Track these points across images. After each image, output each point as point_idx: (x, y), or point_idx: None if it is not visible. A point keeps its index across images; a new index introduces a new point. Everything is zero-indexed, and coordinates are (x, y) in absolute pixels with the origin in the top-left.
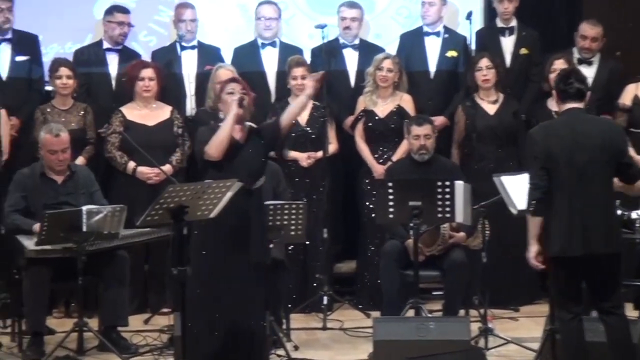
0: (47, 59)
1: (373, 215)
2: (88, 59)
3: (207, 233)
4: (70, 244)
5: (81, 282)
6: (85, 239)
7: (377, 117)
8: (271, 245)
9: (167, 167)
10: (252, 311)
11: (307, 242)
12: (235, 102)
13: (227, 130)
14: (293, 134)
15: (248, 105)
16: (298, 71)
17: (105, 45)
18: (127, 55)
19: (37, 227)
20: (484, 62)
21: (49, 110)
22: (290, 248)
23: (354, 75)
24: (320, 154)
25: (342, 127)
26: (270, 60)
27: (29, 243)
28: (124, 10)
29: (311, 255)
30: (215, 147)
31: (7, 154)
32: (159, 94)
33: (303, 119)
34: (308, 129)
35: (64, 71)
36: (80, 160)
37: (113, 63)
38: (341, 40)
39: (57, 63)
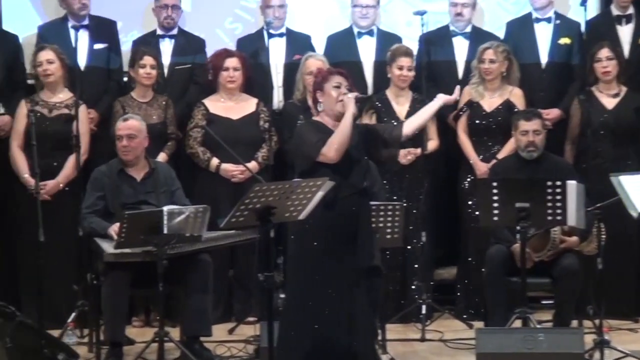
0: (126, 48)
1: (476, 217)
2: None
3: (312, 234)
4: (151, 247)
5: (162, 289)
6: (166, 242)
7: (483, 111)
8: None
9: (252, 164)
10: (358, 327)
11: (405, 247)
12: (352, 100)
13: (348, 132)
14: None
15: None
16: (404, 61)
17: (159, 32)
18: (185, 41)
19: (112, 230)
20: (605, 53)
21: (128, 102)
22: (386, 253)
23: (463, 66)
24: (420, 150)
25: (446, 123)
26: (367, 50)
27: (108, 246)
28: None
29: (409, 261)
30: (336, 149)
31: (86, 153)
32: (244, 85)
33: (402, 112)
34: None
35: (148, 60)
36: (161, 157)
37: (166, 51)
38: (451, 28)
39: (141, 51)
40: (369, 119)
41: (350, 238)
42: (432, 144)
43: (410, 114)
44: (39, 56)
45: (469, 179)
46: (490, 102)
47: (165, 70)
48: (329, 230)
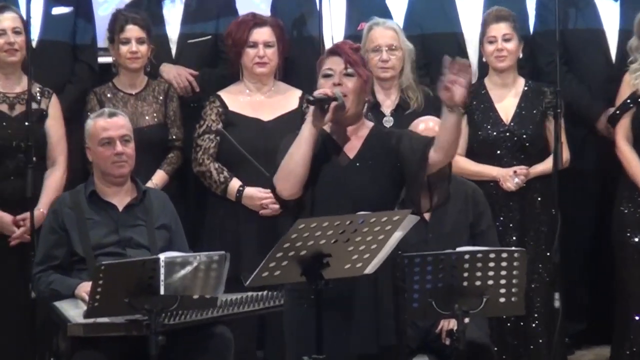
0: (105, 13)
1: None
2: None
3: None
4: (139, 315)
5: None
6: (164, 308)
7: None
8: (466, 320)
9: None
10: None
11: (527, 315)
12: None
13: (298, 152)
14: (490, 137)
15: (354, 102)
16: (497, 29)
17: None
18: (199, 2)
19: (81, 290)
20: None
21: (109, 95)
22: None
23: (615, 38)
24: (538, 168)
25: (590, 126)
26: (474, 15)
27: (75, 313)
28: None
29: (532, 336)
30: (283, 178)
31: (66, 168)
32: (282, 69)
33: (507, 111)
34: (515, 127)
35: (133, 32)
36: (159, 178)
37: (174, 18)
38: None
39: (123, 18)
40: None
41: (345, 293)
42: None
43: (519, 113)
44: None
45: (631, 212)
46: None
47: (173, 47)
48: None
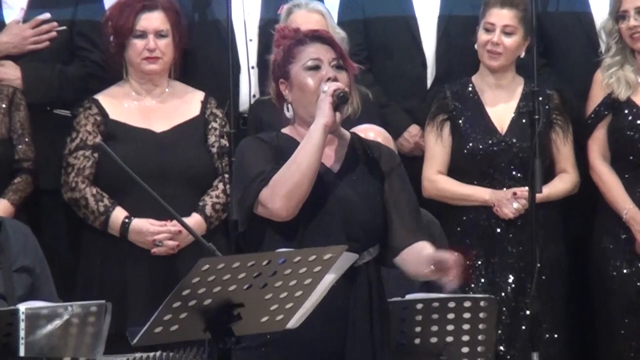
0: None
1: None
2: None
3: (273, 346)
4: None
5: None
6: None
7: (636, 113)
8: None
9: (194, 219)
10: None
11: None
12: (329, 98)
13: (308, 162)
14: (480, 152)
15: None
16: (498, 17)
17: None
18: None
19: None
20: None
21: None
22: None
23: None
24: (543, 191)
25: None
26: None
27: None
28: None
29: None
30: (284, 195)
31: None
32: (180, 66)
33: (502, 119)
34: (512, 138)
35: None
36: (1, 209)
37: (15, 1)
38: None
39: None
40: (436, 132)
41: (335, 352)
42: (567, 180)
43: (518, 121)
44: None
45: (612, 246)
46: None
47: None
48: (296, 345)
